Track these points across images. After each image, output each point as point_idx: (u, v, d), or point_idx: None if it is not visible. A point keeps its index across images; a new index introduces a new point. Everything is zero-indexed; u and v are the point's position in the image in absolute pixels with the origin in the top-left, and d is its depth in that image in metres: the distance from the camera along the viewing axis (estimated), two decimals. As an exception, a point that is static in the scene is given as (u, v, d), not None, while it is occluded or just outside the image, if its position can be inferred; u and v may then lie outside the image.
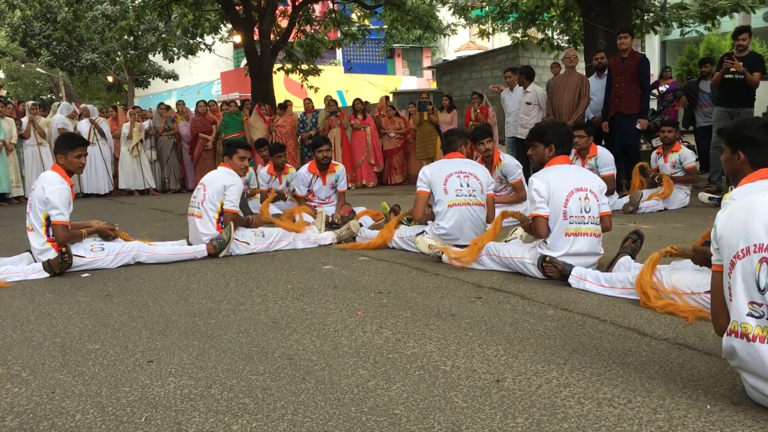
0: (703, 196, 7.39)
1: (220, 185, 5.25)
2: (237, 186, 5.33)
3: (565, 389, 2.34)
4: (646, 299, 3.40)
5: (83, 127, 11.54)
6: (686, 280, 3.36)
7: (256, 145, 9.07)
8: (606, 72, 8.53)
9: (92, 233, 5.00)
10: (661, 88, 11.13)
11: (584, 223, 4.03)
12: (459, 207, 5.00)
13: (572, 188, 4.03)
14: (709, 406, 2.16)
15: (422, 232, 5.13)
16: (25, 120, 10.93)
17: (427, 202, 5.18)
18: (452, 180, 5.04)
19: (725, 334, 2.15)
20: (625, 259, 4.00)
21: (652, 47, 19.97)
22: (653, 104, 11.38)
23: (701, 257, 3.34)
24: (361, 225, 5.96)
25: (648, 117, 8.72)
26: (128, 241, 5.07)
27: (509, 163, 6.58)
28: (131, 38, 18.23)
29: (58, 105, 12.31)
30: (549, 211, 4.03)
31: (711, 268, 2.24)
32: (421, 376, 2.51)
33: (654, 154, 7.66)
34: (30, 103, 11.83)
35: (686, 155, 7.30)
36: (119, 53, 25.50)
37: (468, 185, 5.07)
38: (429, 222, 5.26)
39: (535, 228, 4.08)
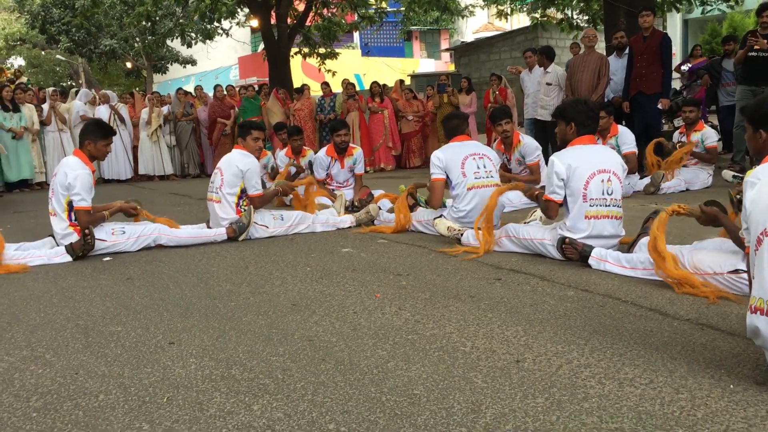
0: (727, 174, 7.27)
1: (236, 169, 5.25)
2: (254, 168, 5.32)
3: (585, 369, 2.33)
4: (660, 263, 3.35)
5: (103, 113, 11.61)
6: (708, 260, 3.31)
7: (275, 129, 9.08)
8: (626, 51, 8.41)
9: (115, 213, 5.06)
10: (683, 67, 10.96)
11: (606, 206, 3.98)
12: (478, 189, 4.96)
13: (594, 170, 3.98)
14: (732, 386, 2.13)
15: (441, 215, 5.11)
16: (45, 107, 11.03)
17: (443, 189, 5.14)
18: (469, 162, 5.01)
19: (749, 312, 2.12)
20: (647, 240, 3.95)
21: (673, 26, 19.66)
22: (676, 83, 11.20)
23: (707, 218, 3.32)
24: (380, 208, 5.95)
25: (670, 96, 8.59)
26: (150, 222, 5.13)
27: (529, 143, 6.53)
28: (149, 24, 18.24)
29: (77, 91, 12.40)
30: (562, 197, 4.00)
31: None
32: (440, 357, 2.51)
33: (676, 134, 7.56)
34: (50, 89, 11.93)
35: (709, 134, 7.18)
36: (137, 39, 25.60)
37: (484, 167, 5.03)
38: (446, 204, 5.24)
39: (546, 209, 4.07)
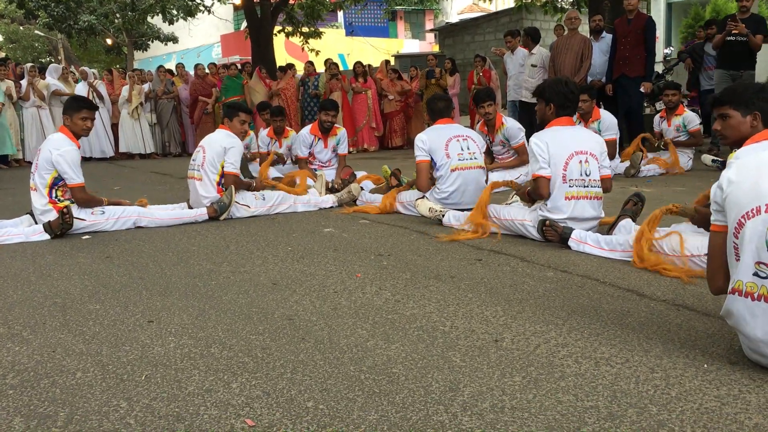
0: (706, 158, 7.34)
1: (220, 147, 5.22)
2: (237, 148, 5.29)
3: (563, 349, 2.35)
4: (638, 259, 3.42)
5: (80, 90, 11.44)
6: (687, 242, 3.35)
7: (258, 108, 9.02)
8: (603, 35, 8.42)
9: (114, 204, 5.00)
10: (666, 51, 11.00)
11: (584, 186, 4.00)
12: (462, 171, 4.97)
13: (572, 151, 3.99)
14: (706, 366, 2.17)
15: (423, 196, 5.11)
16: (24, 82, 10.85)
17: (429, 171, 5.12)
18: (453, 144, 5.01)
19: (728, 293, 2.13)
20: (626, 222, 3.99)
21: (657, 9, 19.66)
22: (659, 67, 11.25)
23: (701, 219, 3.31)
24: (362, 188, 5.94)
25: (652, 80, 8.62)
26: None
27: (512, 126, 6.53)
28: (129, -1, 18.00)
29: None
30: (551, 172, 3.99)
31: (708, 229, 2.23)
32: (419, 336, 2.52)
33: (657, 118, 7.60)
34: (29, 65, 11.72)
35: (690, 118, 7.23)
36: (118, 15, 25.19)
37: (468, 148, 5.04)
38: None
39: (537, 188, 4.03)
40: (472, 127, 8.19)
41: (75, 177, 4.67)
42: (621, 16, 8.22)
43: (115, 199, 5.10)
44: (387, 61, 13.12)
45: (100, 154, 11.71)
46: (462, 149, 5.02)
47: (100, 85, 11.82)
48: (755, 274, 2.04)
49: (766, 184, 2.04)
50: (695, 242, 3.31)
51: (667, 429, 1.77)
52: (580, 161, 3.99)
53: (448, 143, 4.99)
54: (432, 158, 5.02)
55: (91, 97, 11.40)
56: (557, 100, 4.06)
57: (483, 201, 4.45)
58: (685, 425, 1.79)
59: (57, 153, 4.62)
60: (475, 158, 5.05)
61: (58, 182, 4.68)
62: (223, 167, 5.23)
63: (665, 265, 3.30)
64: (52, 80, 11.32)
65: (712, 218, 2.24)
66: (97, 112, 11.50)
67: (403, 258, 3.81)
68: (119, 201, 5.09)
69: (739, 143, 2.93)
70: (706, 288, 2.97)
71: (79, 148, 4.81)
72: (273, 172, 6.99)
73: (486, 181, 5.15)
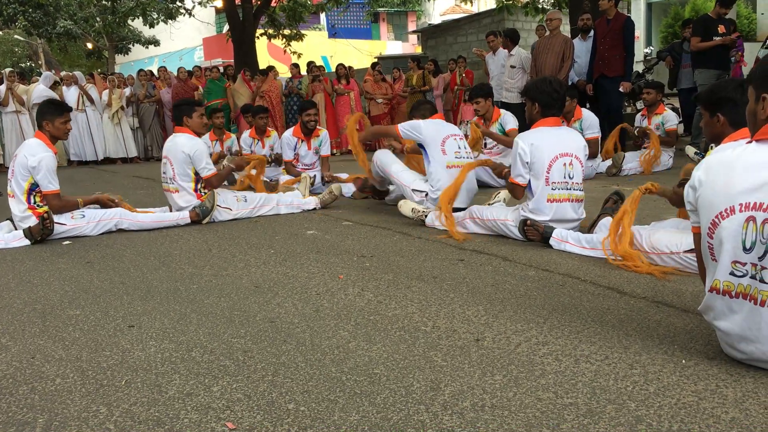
0: (690, 150, 7.41)
1: (183, 154, 5.08)
2: (201, 149, 5.14)
3: (543, 347, 2.36)
4: (614, 235, 3.47)
5: (72, 94, 11.36)
6: (665, 239, 3.39)
7: (242, 111, 9.00)
8: (590, 34, 8.48)
9: (90, 203, 4.96)
10: (646, 50, 11.09)
11: (567, 189, 4.02)
12: (457, 169, 4.93)
13: (556, 154, 4.00)
14: (684, 361, 2.19)
15: (404, 198, 5.10)
16: (2, 88, 10.74)
17: (412, 146, 5.24)
18: (450, 142, 4.99)
19: (708, 291, 2.15)
20: (607, 220, 4.00)
21: (637, 9, 19.84)
22: (639, 66, 11.35)
23: (679, 199, 3.36)
24: (341, 190, 5.93)
25: (631, 79, 8.70)
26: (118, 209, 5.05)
27: (506, 115, 6.76)
28: (109, 2, 17.83)
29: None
30: (527, 180, 4.03)
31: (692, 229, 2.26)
32: (401, 337, 2.52)
33: (639, 116, 7.66)
34: (7, 70, 11.61)
35: (669, 118, 7.29)
36: (98, 19, 25.02)
37: (465, 147, 5.07)
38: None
39: (512, 191, 4.13)
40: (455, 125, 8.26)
41: (50, 184, 4.63)
42: (600, 16, 8.28)
43: (91, 197, 5.04)
44: (375, 63, 13.15)
45: (93, 157, 11.63)
46: (459, 147, 5.00)
47: (92, 88, 11.73)
48: (731, 273, 2.05)
49: (736, 184, 2.04)
50: (674, 239, 3.35)
51: (645, 424, 1.79)
52: (564, 164, 4.00)
53: (445, 140, 4.96)
54: (424, 148, 4.99)
55: (81, 101, 11.33)
56: (542, 99, 4.06)
57: (458, 181, 4.65)
58: (663, 420, 1.81)
59: (33, 159, 4.58)
60: (471, 158, 5.09)
61: (35, 188, 4.64)
62: (195, 173, 5.17)
63: (637, 260, 3.33)
64: (42, 87, 11.18)
65: (690, 220, 2.25)
66: (85, 116, 11.49)
67: (385, 259, 3.81)
68: (96, 198, 5.03)
69: (717, 142, 2.99)
70: (684, 285, 3.02)
71: (55, 153, 4.77)
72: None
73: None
